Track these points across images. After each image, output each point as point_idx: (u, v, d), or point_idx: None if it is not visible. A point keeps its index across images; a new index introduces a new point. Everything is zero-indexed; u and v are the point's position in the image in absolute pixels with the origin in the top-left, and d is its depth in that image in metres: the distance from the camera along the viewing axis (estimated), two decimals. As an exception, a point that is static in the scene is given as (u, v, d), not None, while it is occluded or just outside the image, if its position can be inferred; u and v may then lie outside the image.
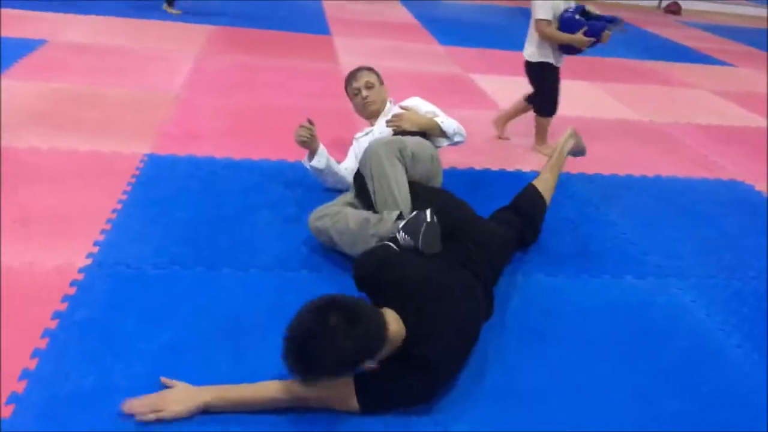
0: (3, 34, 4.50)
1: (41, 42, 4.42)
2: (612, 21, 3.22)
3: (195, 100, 3.70)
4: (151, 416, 1.49)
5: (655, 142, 3.90)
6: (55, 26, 4.86)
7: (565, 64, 3.45)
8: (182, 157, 2.95)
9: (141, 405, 1.51)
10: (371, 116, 2.80)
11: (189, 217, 2.46)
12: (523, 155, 3.47)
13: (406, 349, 1.61)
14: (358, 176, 2.35)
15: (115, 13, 5.54)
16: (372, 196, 2.26)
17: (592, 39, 3.17)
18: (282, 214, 2.55)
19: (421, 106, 2.78)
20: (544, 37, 3.23)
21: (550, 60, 3.30)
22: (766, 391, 1.86)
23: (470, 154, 3.30)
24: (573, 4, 3.25)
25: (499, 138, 3.62)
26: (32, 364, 1.65)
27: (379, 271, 1.83)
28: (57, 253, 2.12)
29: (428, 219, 1.95)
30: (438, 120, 2.65)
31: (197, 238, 2.32)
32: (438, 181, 2.57)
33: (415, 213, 2.02)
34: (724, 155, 3.76)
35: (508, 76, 4.96)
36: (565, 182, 3.16)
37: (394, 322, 1.60)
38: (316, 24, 6.11)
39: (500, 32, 6.78)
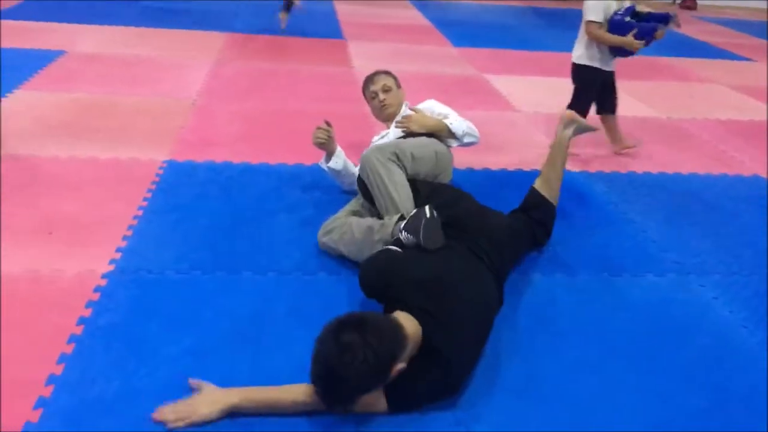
0: (22, 46, 4.58)
1: (60, 53, 4.48)
2: (664, 20, 3.15)
3: (211, 107, 3.73)
4: (181, 423, 1.51)
5: (674, 138, 3.86)
6: (73, 37, 4.93)
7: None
8: (200, 163, 2.98)
9: (171, 413, 1.53)
10: (388, 119, 2.82)
11: (208, 222, 2.48)
12: (540, 155, 3.45)
13: (426, 346, 1.61)
14: (361, 182, 2.38)
15: (131, 22, 5.61)
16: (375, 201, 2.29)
17: (643, 41, 3.10)
18: (300, 217, 2.57)
19: (435, 108, 2.80)
20: (594, 39, 3.17)
21: (596, 64, 3.24)
22: (792, 388, 1.84)
23: (486, 155, 3.29)
24: (625, 5, 3.18)
25: (629, 148, 3.50)
26: (59, 370, 1.68)
27: (382, 276, 1.85)
28: (80, 260, 2.15)
29: (427, 215, 1.97)
30: (447, 121, 2.66)
31: (217, 242, 2.34)
32: (447, 178, 2.58)
33: (414, 211, 2.03)
34: (743, 151, 3.71)
35: (522, 76, 4.96)
36: (583, 181, 3.15)
37: (407, 322, 1.61)
38: (329, 28, 6.13)
39: (513, 32, 6.76)
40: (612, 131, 3.50)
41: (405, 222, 2.01)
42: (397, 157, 2.32)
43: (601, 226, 2.71)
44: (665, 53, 6.21)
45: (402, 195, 2.24)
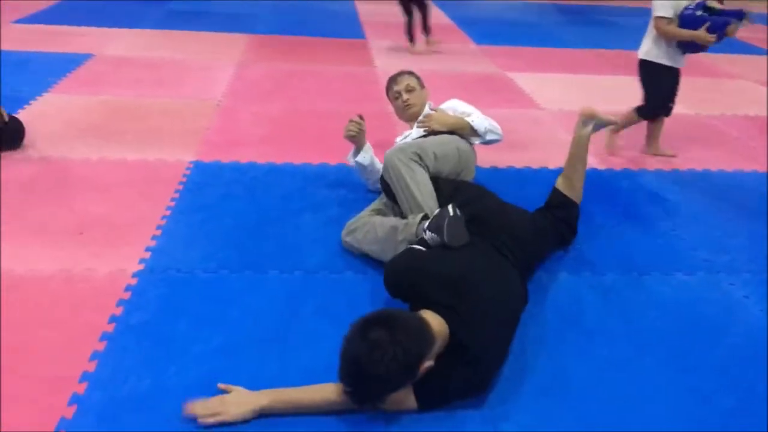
0: (51, 50, 4.67)
1: (88, 56, 4.57)
2: (737, 16, 3.07)
3: (236, 108, 3.77)
4: (211, 420, 1.53)
5: (702, 135, 3.81)
6: (101, 40, 5.02)
7: (605, 59, 3.39)
8: (226, 164, 3.01)
9: (202, 408, 1.55)
10: (411, 119, 2.82)
11: (235, 221, 2.51)
12: (563, 152, 3.42)
13: (452, 344, 1.61)
14: (384, 182, 2.38)
15: (156, 26, 5.69)
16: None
17: (715, 35, 3.03)
18: (324, 216, 2.58)
19: (458, 107, 2.79)
20: (664, 35, 3.11)
21: (663, 61, 3.17)
22: (828, 388, 1.80)
23: (510, 153, 3.28)
24: (695, 1, 3.11)
25: (663, 155, 3.42)
26: (91, 367, 1.71)
27: (407, 276, 1.85)
28: (111, 260, 2.19)
29: (451, 213, 1.97)
30: (469, 119, 2.65)
31: (243, 242, 2.37)
32: (470, 176, 2.58)
33: (437, 210, 2.04)
34: (774, 147, 3.65)
35: (545, 73, 4.93)
36: (610, 178, 3.12)
37: (433, 320, 1.61)
38: (350, 28, 6.16)
39: (535, 29, 6.71)
40: (654, 132, 3.42)
41: (429, 221, 2.01)
42: (419, 157, 2.33)
43: (628, 223, 2.68)
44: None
45: (425, 194, 2.25)
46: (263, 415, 1.57)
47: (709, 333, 2.02)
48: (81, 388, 1.64)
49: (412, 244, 2.02)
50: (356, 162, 2.68)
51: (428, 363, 1.52)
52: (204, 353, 1.79)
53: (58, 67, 4.26)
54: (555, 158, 3.27)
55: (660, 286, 2.25)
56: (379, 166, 2.69)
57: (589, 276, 2.28)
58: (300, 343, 1.86)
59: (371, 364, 1.43)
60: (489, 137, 2.68)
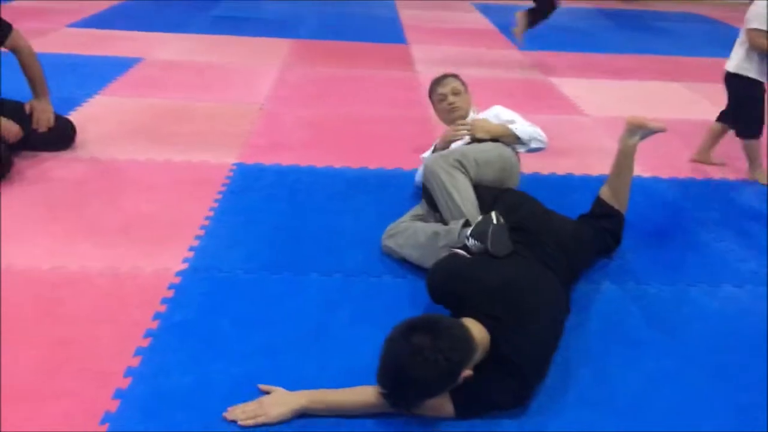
0: (102, 53, 4.82)
1: (138, 60, 4.69)
2: None
3: (279, 111, 3.82)
4: (252, 422, 1.55)
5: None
6: (150, 45, 5.15)
7: (651, 64, 3.32)
8: (268, 166, 3.05)
9: (243, 412, 1.57)
10: (452, 122, 2.80)
11: (276, 223, 2.54)
12: (607, 159, 3.36)
13: (494, 353, 1.60)
14: (425, 189, 2.38)
15: (203, 30, 5.81)
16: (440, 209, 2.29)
17: None
18: (364, 220, 2.59)
19: (501, 114, 2.76)
20: (757, 49, 2.97)
21: (752, 74, 3.04)
22: None
23: (553, 159, 3.23)
24: None
25: (712, 164, 3.32)
26: (135, 362, 1.75)
27: (450, 282, 1.84)
28: (156, 258, 2.24)
29: (494, 221, 1.95)
30: (512, 126, 2.62)
31: (284, 243, 2.40)
32: (514, 184, 2.55)
33: (480, 218, 2.02)
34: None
35: (589, 79, 4.85)
36: (656, 187, 3.05)
37: (474, 328, 1.60)
38: (392, 33, 6.17)
39: (579, 35, 6.61)
40: (711, 140, 3.31)
41: (471, 228, 1.99)
42: (461, 164, 2.31)
43: (674, 233, 2.62)
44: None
45: (466, 201, 2.23)
46: (302, 415, 1.58)
47: (758, 347, 1.95)
48: (125, 383, 1.68)
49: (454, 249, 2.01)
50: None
51: (467, 372, 1.51)
52: (245, 352, 1.82)
53: (109, 70, 4.39)
54: (598, 165, 3.21)
55: (706, 298, 2.19)
56: None
57: (633, 286, 2.23)
58: (338, 345, 1.87)
59: (411, 369, 1.43)
60: (533, 145, 2.64)
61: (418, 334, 1.46)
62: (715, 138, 3.31)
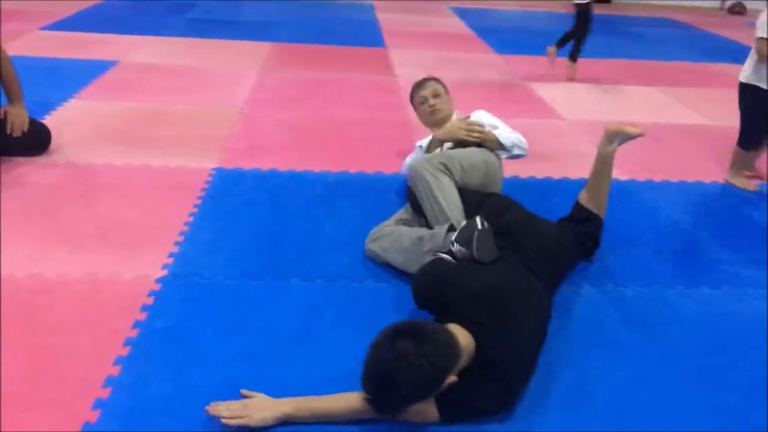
0: (77, 56, 4.75)
1: (114, 63, 4.64)
2: None
3: (258, 115, 3.80)
4: (234, 422, 1.54)
5: (727, 147, 3.74)
6: (126, 48, 5.09)
7: (628, 69, 3.37)
8: (248, 171, 3.03)
9: (226, 410, 1.56)
10: (437, 125, 2.81)
11: (257, 228, 2.52)
12: (585, 163, 3.40)
13: (478, 359, 1.61)
14: (411, 192, 2.38)
15: (179, 33, 5.76)
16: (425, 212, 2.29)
17: None
18: (345, 225, 2.59)
19: (484, 119, 2.78)
20: (763, 57, 2.94)
21: (762, 85, 3.00)
22: None
23: (531, 163, 3.25)
24: None
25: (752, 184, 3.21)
26: (115, 371, 1.73)
27: (435, 287, 1.84)
28: (135, 265, 2.21)
29: (479, 227, 1.96)
30: (496, 132, 2.64)
31: (265, 248, 2.38)
32: (496, 189, 2.57)
33: (465, 223, 2.02)
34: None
35: (566, 83, 4.90)
36: (633, 190, 3.09)
37: (460, 334, 1.60)
38: (371, 37, 6.18)
39: (556, 39, 6.67)
40: (747, 162, 3.24)
41: (456, 233, 2.00)
42: (446, 167, 2.32)
43: (652, 236, 2.65)
44: (714, 59, 6.07)
45: (451, 204, 2.23)
46: (285, 422, 1.57)
47: (735, 348, 1.99)
48: (105, 393, 1.65)
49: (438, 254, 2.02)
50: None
51: (452, 377, 1.51)
52: (226, 359, 1.80)
53: (85, 73, 4.33)
54: (576, 168, 3.25)
55: (684, 300, 2.22)
56: None
57: (612, 289, 2.26)
58: (321, 350, 1.86)
59: (396, 374, 1.43)
60: (515, 152, 2.66)
61: (403, 339, 1.46)
62: (750, 160, 3.24)
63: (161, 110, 3.76)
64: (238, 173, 3.01)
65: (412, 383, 1.44)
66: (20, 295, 2.02)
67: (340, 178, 3.02)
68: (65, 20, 5.96)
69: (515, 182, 3.06)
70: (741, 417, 1.71)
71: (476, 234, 1.93)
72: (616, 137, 2.33)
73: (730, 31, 7.86)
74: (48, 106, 3.63)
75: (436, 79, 2.88)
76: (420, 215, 2.35)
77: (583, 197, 2.39)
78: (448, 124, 2.71)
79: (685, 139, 3.86)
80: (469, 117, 2.79)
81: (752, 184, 3.20)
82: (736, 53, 6.49)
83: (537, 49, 6.04)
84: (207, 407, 1.57)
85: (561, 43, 4.96)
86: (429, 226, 2.25)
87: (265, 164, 3.10)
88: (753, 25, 3.08)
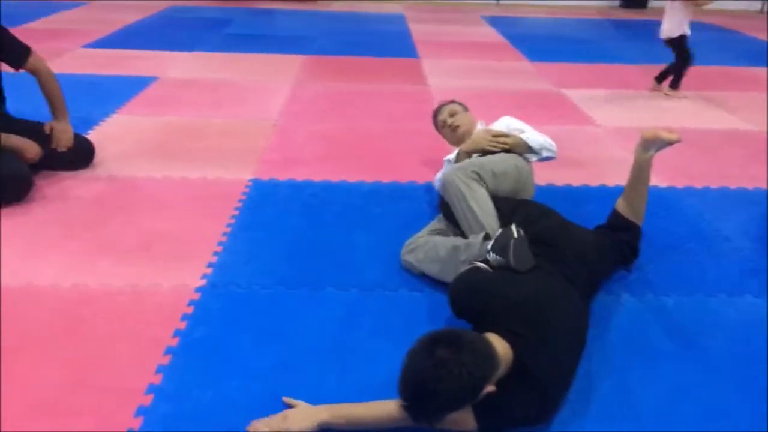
0: (118, 73, 4.89)
1: (153, 78, 4.76)
2: None
3: (292, 127, 3.85)
4: None
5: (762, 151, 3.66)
6: (164, 63, 5.22)
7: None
8: (283, 182, 3.08)
9: (266, 426, 1.57)
10: (461, 140, 2.81)
11: (292, 238, 2.55)
12: (621, 169, 3.35)
13: (516, 369, 1.59)
14: (444, 203, 2.38)
15: (215, 48, 5.88)
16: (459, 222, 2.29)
17: None
18: (379, 234, 2.60)
19: (511, 124, 2.79)
20: None
21: None
22: None
23: (567, 170, 3.23)
24: None
25: None
26: (157, 380, 1.77)
27: (472, 297, 1.84)
28: (175, 275, 2.26)
29: (515, 235, 1.95)
30: (523, 136, 2.64)
31: (301, 258, 2.41)
32: (529, 194, 2.56)
33: (500, 231, 2.01)
34: None
35: (600, 90, 4.85)
36: (672, 197, 3.03)
37: (498, 343, 1.59)
38: (403, 48, 6.21)
39: (590, 45, 6.62)
40: None
41: (492, 242, 1.99)
42: (478, 176, 2.32)
43: (693, 244, 2.60)
44: (754, 63, 5.92)
45: (486, 212, 2.23)
46: (324, 430, 1.58)
47: (782, 358, 1.93)
48: (147, 400, 1.69)
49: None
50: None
51: (489, 388, 1.50)
52: (264, 368, 1.82)
53: (125, 89, 4.45)
54: (612, 175, 3.21)
55: (726, 309, 2.17)
56: None
57: (652, 298, 2.22)
58: (356, 359, 1.88)
59: (434, 382, 1.42)
60: (544, 154, 2.65)
61: (441, 348, 1.45)
62: None
63: (199, 124, 3.85)
64: (274, 184, 3.05)
65: (450, 391, 1.43)
66: (64, 306, 2.08)
67: (374, 188, 3.04)
68: (106, 38, 6.14)
69: (551, 190, 3.04)
70: (789, 429, 1.66)
71: (512, 242, 1.92)
72: (653, 144, 2.27)
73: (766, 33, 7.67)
74: (91, 122, 3.75)
75: (452, 101, 2.96)
76: (454, 225, 2.34)
77: (621, 205, 2.35)
78: (474, 135, 2.72)
79: (724, 144, 3.77)
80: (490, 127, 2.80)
81: None
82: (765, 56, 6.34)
83: (569, 56, 6.01)
84: (248, 427, 1.58)
85: (660, 79, 4.84)
86: (463, 236, 2.25)
87: (299, 175, 3.14)
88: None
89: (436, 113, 2.98)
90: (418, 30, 7.15)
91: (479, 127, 2.83)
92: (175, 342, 1.92)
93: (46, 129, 3.01)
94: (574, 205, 2.85)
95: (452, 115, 2.86)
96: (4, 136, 2.79)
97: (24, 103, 3.24)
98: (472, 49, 6.25)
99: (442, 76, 5.08)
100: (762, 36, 7.51)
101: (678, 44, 4.66)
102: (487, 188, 2.31)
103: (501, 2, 9.56)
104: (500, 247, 1.94)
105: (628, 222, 2.30)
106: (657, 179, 3.17)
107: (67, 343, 1.91)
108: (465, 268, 2.00)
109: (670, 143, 2.26)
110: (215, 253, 2.41)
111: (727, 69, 5.67)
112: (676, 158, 3.33)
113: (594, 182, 3.16)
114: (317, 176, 3.14)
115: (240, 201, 2.86)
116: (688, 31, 4.62)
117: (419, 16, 8.11)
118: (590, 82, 5.05)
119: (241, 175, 3.13)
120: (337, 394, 1.71)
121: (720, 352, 1.95)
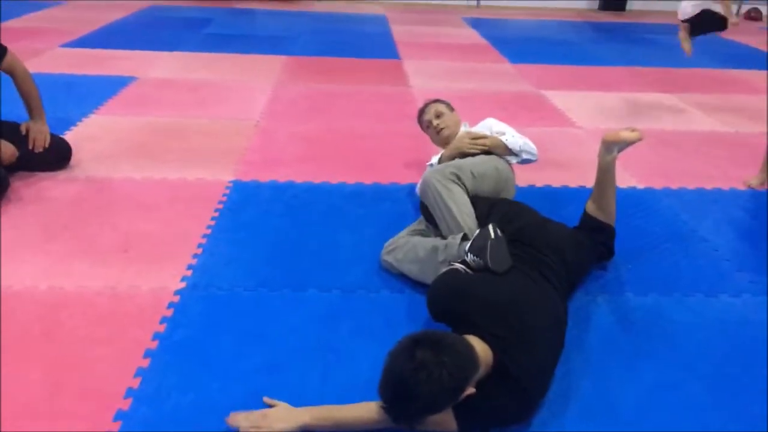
0: (96, 73, 4.83)
1: (132, 78, 4.71)
2: None
3: (274, 128, 3.83)
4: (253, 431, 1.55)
5: (744, 153, 3.72)
6: (144, 63, 5.17)
7: (641, 76, 3.35)
8: (265, 183, 3.06)
9: (245, 420, 1.57)
10: (446, 142, 2.82)
11: (274, 240, 2.54)
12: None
13: (496, 369, 1.60)
14: (423, 204, 2.39)
15: (196, 48, 5.84)
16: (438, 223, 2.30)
17: None
18: (361, 235, 2.60)
19: (493, 126, 2.81)
20: None
21: None
22: None
23: (547, 171, 3.26)
24: None
25: None
26: (135, 383, 1.75)
27: (450, 300, 1.84)
28: (155, 277, 2.24)
29: (492, 236, 1.95)
30: (503, 138, 2.65)
31: (282, 260, 2.40)
32: (510, 195, 2.57)
33: (478, 232, 2.02)
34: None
35: (581, 91, 4.89)
36: (650, 197, 3.07)
37: (477, 345, 1.60)
38: (384, 49, 6.22)
39: (570, 47, 6.68)
40: None
41: (470, 243, 2.00)
42: (457, 177, 2.33)
43: (670, 244, 2.63)
44: (731, 65, 6.02)
45: (464, 213, 2.24)
46: (304, 432, 1.58)
47: (756, 355, 1.96)
48: (126, 404, 1.67)
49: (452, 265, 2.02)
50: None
51: (470, 389, 1.51)
52: (245, 370, 1.81)
53: (104, 89, 4.40)
54: (593, 177, 3.20)
55: (704, 308, 2.20)
56: None
57: (630, 297, 2.24)
58: (338, 360, 1.87)
59: (414, 384, 1.42)
60: (524, 156, 2.68)
61: (422, 349, 1.45)
62: None
63: (179, 124, 3.81)
64: (255, 185, 3.04)
65: (431, 393, 1.43)
66: (41, 309, 2.05)
67: (356, 189, 3.03)
68: (84, 37, 6.07)
69: (531, 191, 3.06)
70: (761, 425, 1.68)
71: (489, 243, 1.92)
72: (615, 145, 2.27)
73: (745, 36, 7.80)
74: (68, 122, 3.70)
75: (437, 100, 2.95)
76: (434, 226, 2.35)
77: (591, 207, 2.36)
78: (455, 140, 2.73)
79: (701, 146, 3.83)
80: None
81: None
82: (752, 59, 6.45)
83: (550, 58, 6.06)
84: (227, 418, 1.58)
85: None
86: (443, 237, 2.26)
87: (281, 176, 3.13)
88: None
89: (421, 112, 2.96)
90: (399, 31, 7.16)
91: (463, 129, 2.84)
92: (154, 345, 1.90)
93: (23, 129, 2.97)
94: (554, 206, 2.87)
95: (438, 116, 2.85)
96: (-21, 136, 2.74)
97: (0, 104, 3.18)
98: (453, 50, 6.27)
99: (424, 78, 5.09)
100: (739, 39, 7.63)
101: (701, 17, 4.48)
102: (466, 189, 2.32)
103: (482, 4, 9.61)
104: (478, 248, 1.94)
105: (601, 223, 2.33)
106: (634, 180, 3.22)
107: (44, 346, 1.88)
108: (444, 268, 2.00)
109: (632, 143, 2.27)
110: (195, 255, 2.39)
111: (705, 71, 5.75)
112: (653, 159, 3.38)
113: (574, 183, 3.19)
114: (299, 177, 3.13)
115: (220, 202, 2.84)
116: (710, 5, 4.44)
117: (401, 18, 8.12)
118: (570, 83, 5.09)
119: (222, 176, 3.11)
120: (319, 395, 1.71)
121: (698, 351, 1.98)
